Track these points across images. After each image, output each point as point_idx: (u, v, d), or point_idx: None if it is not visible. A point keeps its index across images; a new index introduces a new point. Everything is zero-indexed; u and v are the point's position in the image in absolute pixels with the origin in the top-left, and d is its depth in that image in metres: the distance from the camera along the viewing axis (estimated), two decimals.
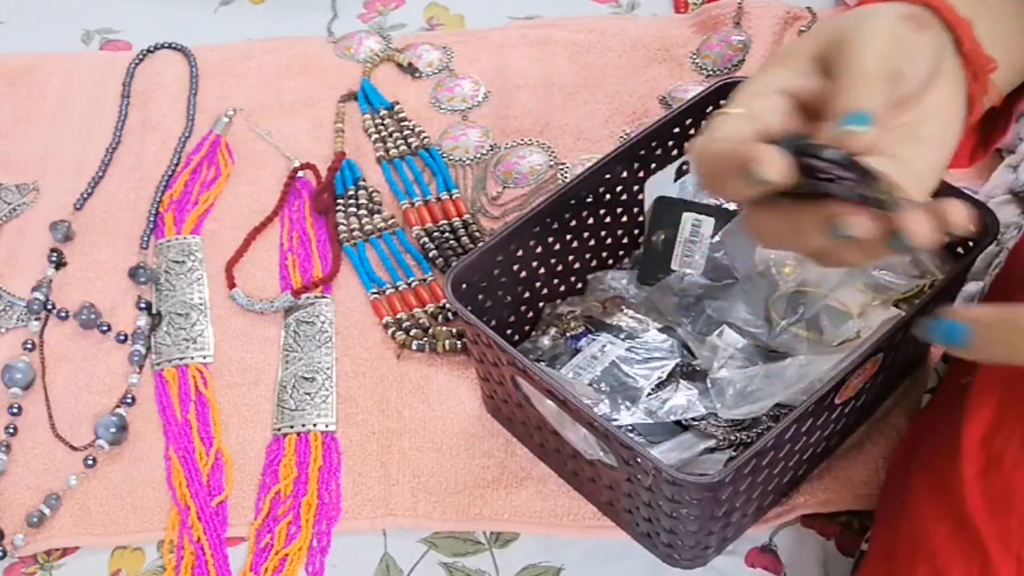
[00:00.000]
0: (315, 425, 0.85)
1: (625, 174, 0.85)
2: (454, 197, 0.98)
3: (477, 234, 0.96)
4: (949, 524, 0.63)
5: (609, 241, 0.88)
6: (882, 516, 0.72)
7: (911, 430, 0.77)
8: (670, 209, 0.87)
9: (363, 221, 0.97)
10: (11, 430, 0.86)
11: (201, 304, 0.93)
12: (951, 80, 0.58)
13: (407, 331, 0.89)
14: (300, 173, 1.01)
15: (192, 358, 0.89)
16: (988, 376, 0.67)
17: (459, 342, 0.87)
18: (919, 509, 0.65)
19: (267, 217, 0.99)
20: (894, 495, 0.71)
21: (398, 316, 0.91)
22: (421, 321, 0.90)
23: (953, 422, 0.66)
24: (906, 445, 0.76)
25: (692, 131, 0.87)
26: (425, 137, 1.03)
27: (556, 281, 0.86)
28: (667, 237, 0.86)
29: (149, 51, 1.13)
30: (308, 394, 0.87)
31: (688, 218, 0.86)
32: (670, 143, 0.86)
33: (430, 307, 0.91)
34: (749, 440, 0.77)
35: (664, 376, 0.79)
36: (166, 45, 1.13)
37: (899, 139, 0.55)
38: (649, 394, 0.78)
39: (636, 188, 0.87)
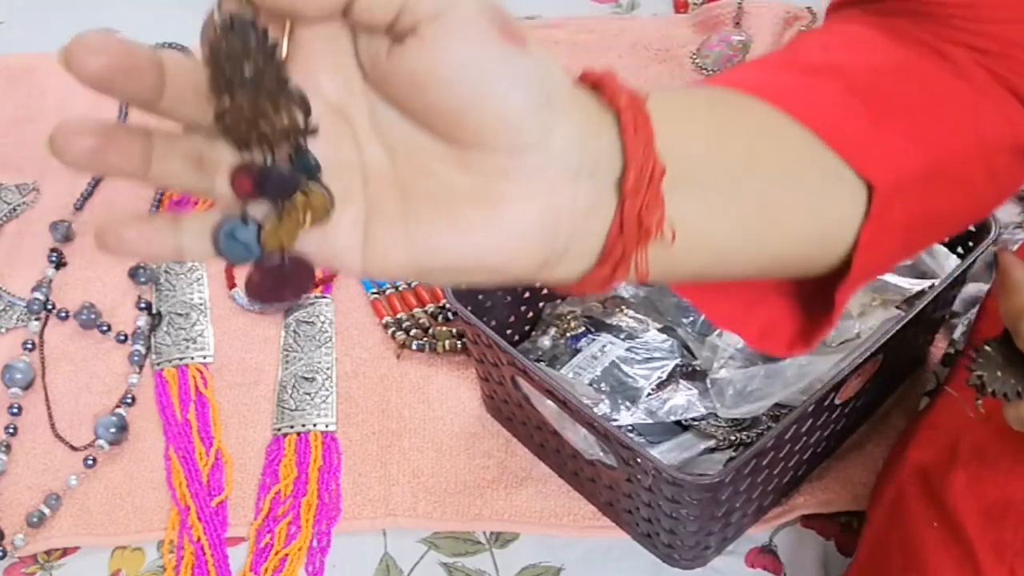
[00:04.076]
0: (315, 425, 0.85)
1: None
2: None
3: None
4: (941, 532, 0.62)
5: None
6: (873, 518, 0.72)
7: (906, 432, 0.77)
8: None
9: None
10: (11, 430, 0.86)
11: (201, 304, 0.93)
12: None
13: (407, 331, 0.89)
14: None
15: (192, 358, 0.89)
16: None
17: (459, 342, 0.87)
18: (911, 515, 0.65)
19: None
20: (886, 498, 0.71)
21: (398, 316, 0.91)
22: (421, 321, 0.90)
23: (948, 429, 0.66)
24: (900, 448, 0.75)
25: None
26: None
27: None
28: None
29: None
30: (308, 394, 0.87)
31: None
32: None
33: (430, 307, 0.91)
34: (749, 440, 0.77)
35: (664, 376, 0.79)
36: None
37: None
38: (649, 394, 0.78)
39: None
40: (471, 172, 0.37)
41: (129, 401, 0.86)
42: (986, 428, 0.64)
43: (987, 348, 0.52)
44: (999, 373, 0.51)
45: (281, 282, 0.38)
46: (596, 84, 0.40)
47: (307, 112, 0.35)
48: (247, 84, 0.35)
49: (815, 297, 0.49)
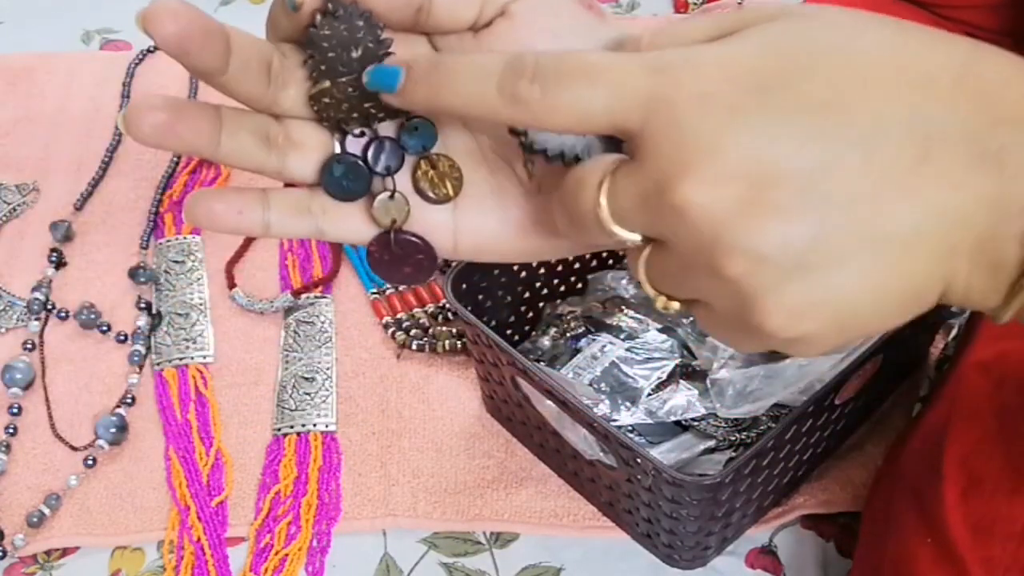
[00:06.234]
0: (315, 425, 0.85)
1: None
2: None
3: None
4: (933, 549, 0.62)
5: None
6: (866, 532, 0.71)
7: (896, 443, 0.76)
8: None
9: None
10: (11, 430, 0.86)
11: (201, 304, 0.93)
12: None
13: (407, 331, 0.89)
14: None
15: (192, 358, 0.89)
16: (970, 393, 0.66)
17: (459, 342, 0.87)
18: (903, 531, 0.64)
19: None
20: (880, 508, 0.70)
21: (398, 316, 0.91)
22: (421, 321, 0.90)
23: (936, 440, 0.65)
24: (891, 459, 0.74)
25: None
26: None
27: (556, 281, 0.86)
28: None
29: (149, 51, 1.13)
30: (308, 394, 0.87)
31: None
32: None
33: (430, 307, 0.91)
34: (749, 440, 0.77)
35: (664, 376, 0.79)
36: None
37: None
38: (649, 394, 0.78)
39: None
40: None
41: (129, 401, 0.86)
42: (972, 440, 0.63)
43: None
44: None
45: (398, 259, 0.39)
46: None
47: None
48: (354, 67, 0.36)
49: None
